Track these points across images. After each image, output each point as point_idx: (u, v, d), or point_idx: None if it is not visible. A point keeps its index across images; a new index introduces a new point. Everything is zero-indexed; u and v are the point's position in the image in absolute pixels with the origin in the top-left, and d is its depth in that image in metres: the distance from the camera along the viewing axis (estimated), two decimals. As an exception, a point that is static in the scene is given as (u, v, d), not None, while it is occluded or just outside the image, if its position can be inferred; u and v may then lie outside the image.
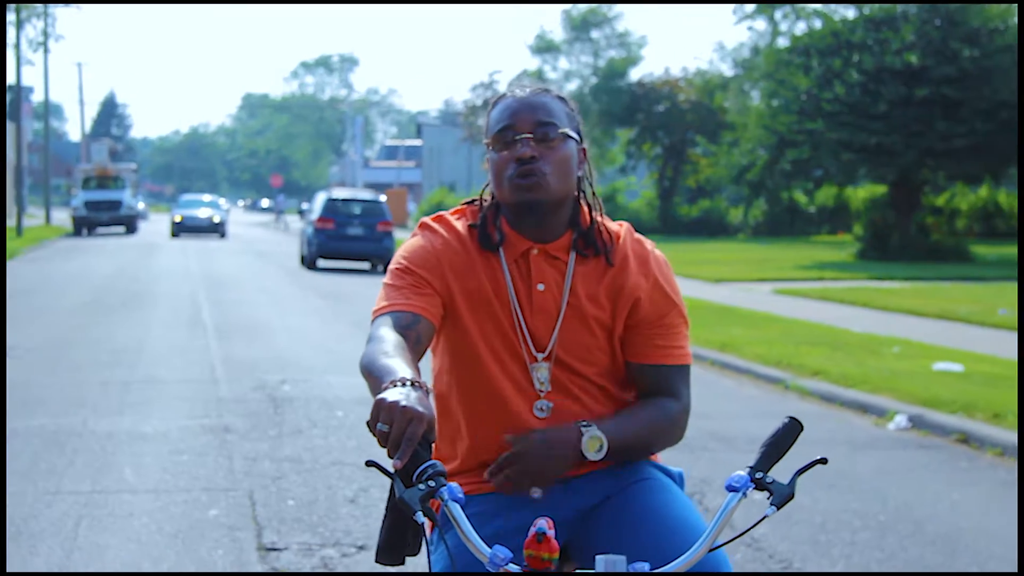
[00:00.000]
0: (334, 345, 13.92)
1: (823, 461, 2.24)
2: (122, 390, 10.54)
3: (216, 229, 48.15)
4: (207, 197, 54.94)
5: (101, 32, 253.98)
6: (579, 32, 51.90)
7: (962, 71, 28.57)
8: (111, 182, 49.71)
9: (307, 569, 5.57)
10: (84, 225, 47.66)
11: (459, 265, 2.74)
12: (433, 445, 2.25)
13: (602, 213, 2.79)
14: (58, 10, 45.85)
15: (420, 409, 2.16)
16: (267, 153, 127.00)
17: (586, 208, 2.77)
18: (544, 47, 53.19)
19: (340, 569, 5.58)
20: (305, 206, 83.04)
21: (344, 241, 28.12)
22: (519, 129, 2.67)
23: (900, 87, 28.69)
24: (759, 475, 2.22)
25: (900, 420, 9.58)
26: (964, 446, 8.80)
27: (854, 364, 11.97)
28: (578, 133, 2.76)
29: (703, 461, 7.97)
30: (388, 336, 2.52)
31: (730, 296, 20.83)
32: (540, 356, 2.73)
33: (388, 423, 2.13)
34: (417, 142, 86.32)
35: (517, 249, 2.74)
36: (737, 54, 46.78)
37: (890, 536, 6.31)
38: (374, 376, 2.35)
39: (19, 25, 17.71)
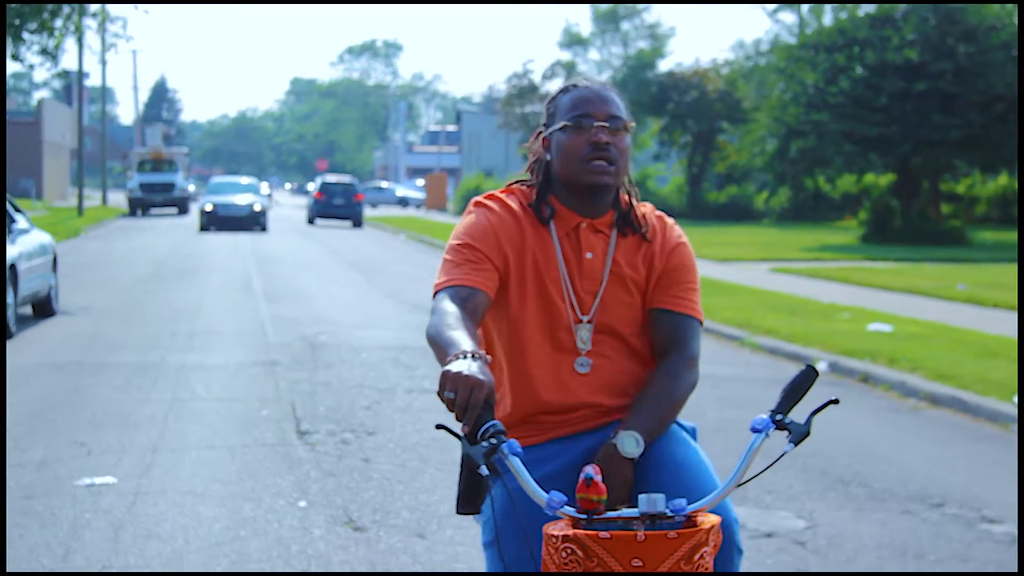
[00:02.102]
0: (365, 308, 16.17)
1: (835, 401, 2.56)
2: (188, 338, 12.85)
3: (256, 220, 37.76)
4: (245, 179, 44.53)
5: (151, 18, 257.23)
6: (607, 24, 53.85)
7: (958, 67, 30.50)
8: (165, 165, 52.19)
9: (331, 444, 7.82)
10: (139, 206, 50.16)
11: (514, 238, 3.02)
12: (494, 406, 2.49)
13: (638, 198, 3.12)
14: (117, 8, 48.22)
15: (481, 377, 2.46)
16: (314, 137, 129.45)
17: (624, 193, 3.10)
18: (572, 40, 55.18)
19: (354, 446, 7.81)
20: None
21: (331, 207, 43.78)
22: (596, 116, 2.96)
23: (900, 81, 30.67)
24: (779, 417, 2.51)
25: (822, 366, 11.70)
26: (863, 384, 10.92)
27: (803, 325, 14.08)
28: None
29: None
30: (450, 309, 2.82)
31: (728, 273, 22.91)
32: (584, 318, 3.02)
33: (454, 391, 2.44)
34: (455, 128, 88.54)
35: (568, 223, 3.04)
36: (757, 47, 48.62)
37: (777, 439, 8.46)
38: (440, 347, 2.67)
39: (80, 14, 19.70)
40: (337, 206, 43.88)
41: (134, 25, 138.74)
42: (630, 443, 2.77)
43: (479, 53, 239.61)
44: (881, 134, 30.83)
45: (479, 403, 2.43)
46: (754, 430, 2.51)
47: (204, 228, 37.13)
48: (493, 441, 2.44)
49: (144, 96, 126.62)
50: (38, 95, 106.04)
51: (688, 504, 2.49)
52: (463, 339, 2.64)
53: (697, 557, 2.43)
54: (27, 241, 14.19)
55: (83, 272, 20.81)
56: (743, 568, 3.16)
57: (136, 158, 53.76)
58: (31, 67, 23.39)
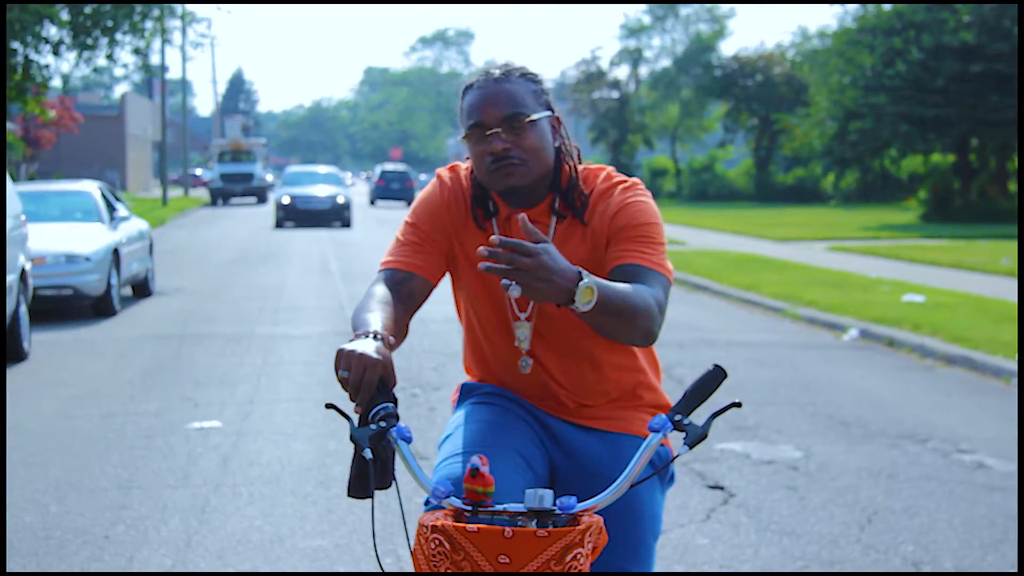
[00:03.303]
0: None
1: (737, 405, 2.40)
2: (273, 313, 14.14)
3: (339, 215, 34.28)
4: (323, 169, 39.96)
5: (224, 8, 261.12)
6: (667, 10, 54.60)
7: (1014, 47, 31.06)
8: (244, 156, 53.86)
9: (401, 397, 9.01)
10: (220, 196, 51.88)
11: (461, 220, 2.90)
12: (390, 388, 2.42)
13: (576, 172, 2.85)
14: (201, 8, 49.76)
15: (376, 356, 2.38)
16: (388, 126, 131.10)
17: (567, 168, 2.85)
18: (634, 29, 55.99)
19: (421, 399, 8.99)
20: (423, 177, 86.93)
21: (388, 191, 50.29)
22: (488, 124, 2.75)
23: (956, 63, 31.34)
24: (678, 417, 2.36)
25: (853, 332, 12.70)
26: (888, 347, 11.91)
27: (842, 297, 15.05)
28: (547, 106, 2.83)
29: (689, 354, 11.22)
30: (377, 292, 2.75)
31: (784, 252, 23.83)
32: (522, 316, 2.87)
33: (347, 369, 2.38)
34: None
35: (502, 215, 2.87)
36: (822, 31, 49.13)
37: (796, 391, 9.52)
38: (353, 329, 2.59)
39: (162, 18, 20.92)
40: (394, 190, 50.90)
41: (203, 10, 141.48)
42: (587, 293, 2.45)
43: (551, 39, 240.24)
44: (938, 115, 31.54)
45: (372, 383, 2.38)
46: (651, 429, 2.40)
47: (280, 224, 33.44)
48: (382, 424, 2.39)
49: (221, 88, 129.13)
50: (119, 89, 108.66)
51: (579, 503, 2.39)
52: (373, 320, 2.59)
53: (569, 558, 2.31)
54: (127, 228, 15.58)
55: (172, 257, 22.27)
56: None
57: (216, 149, 55.52)
58: (125, 66, 24.76)
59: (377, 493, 2.46)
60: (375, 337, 2.49)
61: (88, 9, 20.34)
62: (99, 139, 63.78)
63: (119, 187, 63.53)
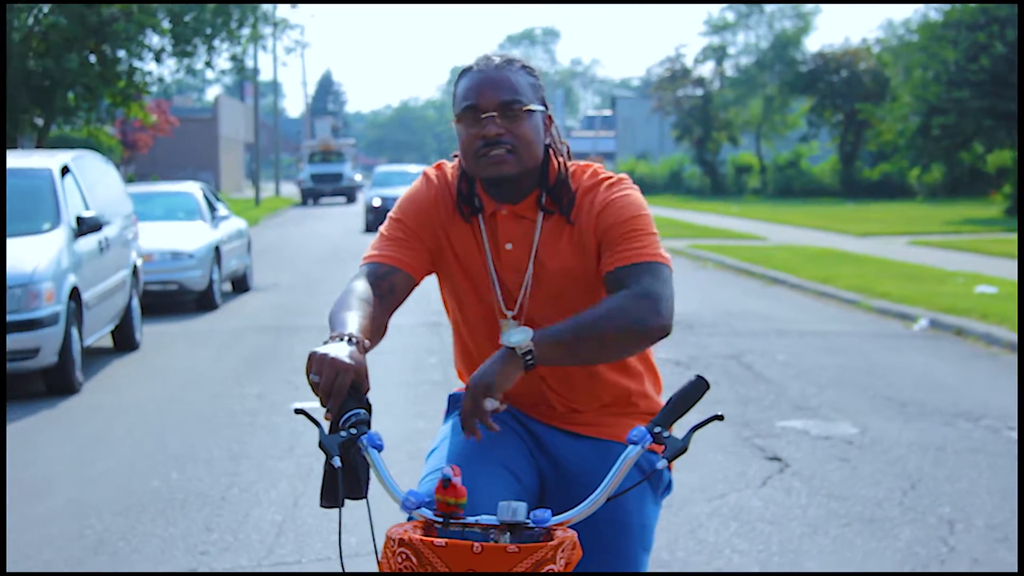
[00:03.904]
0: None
1: (719, 417, 2.32)
2: (365, 306, 14.89)
3: None
4: (414, 168, 38.15)
5: (312, 8, 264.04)
6: (752, 7, 54.74)
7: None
8: (333, 156, 55.01)
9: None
10: (310, 196, 53.06)
11: (448, 218, 2.84)
12: (363, 393, 2.38)
13: (565, 168, 2.82)
14: (291, 13, 50.80)
15: (348, 361, 2.35)
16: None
17: (556, 165, 2.81)
18: (718, 27, 56.20)
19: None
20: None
21: None
22: (484, 107, 2.71)
23: (1041, 57, 31.28)
24: (658, 430, 2.29)
25: (923, 322, 13.10)
26: (956, 336, 12.31)
27: (915, 289, 15.41)
28: (542, 102, 2.81)
29: (761, 343, 11.72)
30: (357, 288, 2.69)
31: (864, 246, 24.11)
32: (510, 314, 2.82)
33: (319, 373, 2.34)
34: (610, 112, 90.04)
35: (487, 210, 2.81)
36: (908, 26, 48.99)
37: (860, 376, 9.99)
38: (330, 329, 2.55)
39: (255, 25, 21.75)
40: None
41: (296, 17, 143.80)
42: (515, 333, 2.48)
43: (638, 36, 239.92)
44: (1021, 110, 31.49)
45: (343, 388, 2.34)
46: (630, 441, 2.32)
47: (371, 228, 31.10)
48: (353, 431, 2.34)
49: (311, 90, 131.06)
50: (211, 91, 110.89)
51: (553, 516, 2.34)
52: (350, 321, 2.54)
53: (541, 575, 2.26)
54: (227, 226, 16.44)
55: (267, 255, 23.17)
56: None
57: (307, 150, 56.74)
58: (222, 72, 25.64)
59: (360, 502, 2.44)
60: (349, 340, 2.45)
61: (188, 18, 21.27)
62: (193, 141, 65.33)
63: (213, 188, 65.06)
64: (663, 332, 2.57)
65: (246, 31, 22.71)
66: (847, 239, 26.71)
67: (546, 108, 2.82)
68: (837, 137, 54.71)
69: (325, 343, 2.43)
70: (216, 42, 22.27)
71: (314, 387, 2.36)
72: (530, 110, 2.74)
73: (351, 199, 53.81)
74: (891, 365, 10.49)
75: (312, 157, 55.37)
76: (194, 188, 16.77)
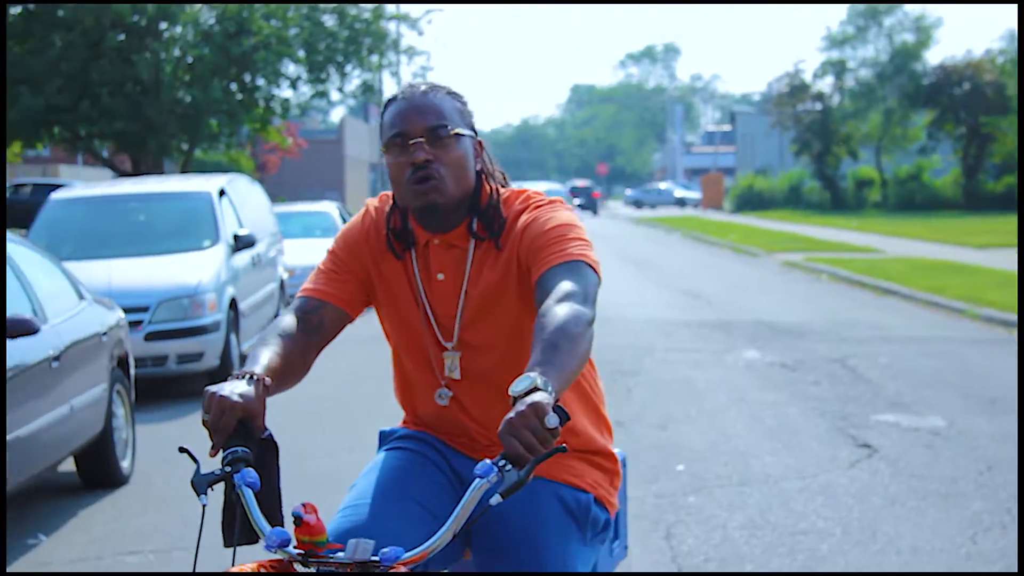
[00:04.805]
0: (636, 293, 18.82)
1: (562, 450, 2.24)
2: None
3: None
4: (542, 186, 35.07)
5: (436, 32, 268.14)
6: (870, 20, 54.64)
7: None
8: (456, 175, 56.34)
9: (607, 385, 10.49)
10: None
11: (380, 251, 2.83)
12: (252, 431, 2.42)
13: (497, 194, 2.79)
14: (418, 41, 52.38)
15: (235, 400, 2.39)
16: (595, 142, 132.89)
17: (488, 190, 2.78)
18: (836, 41, 56.21)
19: (620, 381, 10.44)
20: (628, 192, 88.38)
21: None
22: (411, 134, 2.68)
23: None
24: (502, 463, 2.20)
25: (1026, 329, 13.61)
26: (1056, 342, 12.81)
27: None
28: (471, 127, 2.79)
29: (866, 348, 12.37)
30: (282, 324, 2.74)
31: (979, 258, 24.38)
32: (449, 345, 2.78)
33: (207, 411, 2.40)
34: (729, 128, 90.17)
35: (420, 241, 2.79)
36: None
37: (957, 377, 10.61)
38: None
39: (381, 52, 22.87)
40: (580, 203, 58.66)
41: (423, 44, 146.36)
42: (520, 382, 2.27)
43: (755, 53, 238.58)
44: None
45: (228, 427, 2.38)
46: (476, 475, 2.23)
47: None
48: (226, 469, 2.36)
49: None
50: (335, 113, 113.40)
51: (405, 552, 2.29)
52: (261, 359, 2.58)
53: None
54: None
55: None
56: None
57: (430, 169, 58.19)
58: (354, 97, 26.87)
59: None
60: (249, 379, 2.48)
61: (322, 46, 22.59)
62: (319, 162, 67.20)
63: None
64: (592, 322, 2.51)
65: (375, 58, 23.94)
66: (963, 251, 26.94)
67: (475, 133, 2.82)
68: (960, 150, 54.29)
69: (228, 378, 2.49)
70: (347, 68, 23.52)
71: (204, 425, 2.41)
72: (458, 134, 2.73)
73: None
74: (988, 368, 11.07)
75: (434, 176, 56.72)
76: (331, 207, 17.93)
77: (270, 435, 2.52)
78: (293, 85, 23.37)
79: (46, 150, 31.58)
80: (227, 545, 2.48)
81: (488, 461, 2.23)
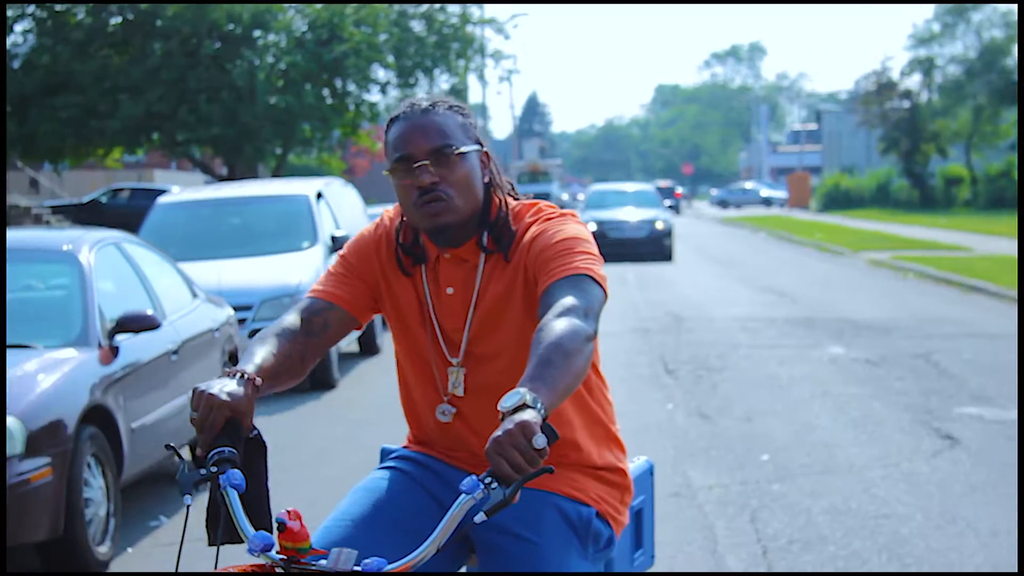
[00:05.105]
0: (721, 292, 19.02)
1: (549, 471, 2.19)
2: (578, 315, 16.14)
3: (657, 245, 26.77)
4: (631, 186, 31.72)
5: (521, 35, 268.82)
6: (958, 17, 54.03)
7: None
8: (541, 176, 56.74)
9: (689, 377, 10.76)
10: (518, 215, 54.74)
11: (389, 266, 2.84)
12: (239, 431, 2.40)
13: (507, 207, 2.76)
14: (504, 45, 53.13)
15: (223, 399, 2.37)
16: (680, 142, 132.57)
17: (498, 202, 2.77)
18: (923, 39, 55.67)
19: (706, 378, 10.70)
20: (714, 192, 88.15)
21: None
22: (415, 156, 2.66)
23: None
24: (488, 480, 2.18)
25: (1114, 326, 13.63)
26: None
27: (1112, 295, 15.83)
28: (476, 140, 2.75)
29: (949, 343, 12.51)
30: (287, 321, 2.73)
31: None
32: (455, 361, 2.77)
33: (196, 409, 2.39)
34: (815, 126, 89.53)
35: (431, 256, 2.79)
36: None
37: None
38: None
39: (466, 57, 23.35)
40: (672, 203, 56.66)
41: (509, 47, 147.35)
42: (508, 398, 2.24)
43: (844, 50, 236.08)
44: None
45: (215, 426, 2.37)
46: (460, 490, 2.22)
47: None
48: (213, 469, 2.34)
49: (517, 112, 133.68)
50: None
51: (388, 564, 2.28)
52: (256, 357, 2.57)
53: None
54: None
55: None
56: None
57: (515, 171, 58.66)
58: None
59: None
60: (240, 378, 2.47)
61: (411, 50, 23.09)
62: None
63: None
64: (592, 338, 2.48)
65: (462, 63, 24.39)
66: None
67: (481, 146, 2.78)
68: (1053, 146, 53.47)
69: (219, 376, 2.48)
70: (435, 73, 23.99)
71: (192, 423, 2.40)
72: (463, 153, 2.70)
73: (558, 218, 55.25)
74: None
75: (520, 177, 57.16)
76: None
77: (258, 435, 2.49)
78: (383, 90, 23.92)
79: (141, 155, 32.48)
80: (210, 544, 2.46)
81: (474, 477, 2.22)
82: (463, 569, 2.85)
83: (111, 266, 7.21)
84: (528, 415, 2.18)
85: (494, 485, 2.19)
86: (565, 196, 66.43)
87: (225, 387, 2.42)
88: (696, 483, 7.09)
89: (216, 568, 2.41)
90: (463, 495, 2.22)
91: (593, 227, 26.24)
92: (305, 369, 2.73)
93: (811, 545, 5.83)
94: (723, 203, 78.06)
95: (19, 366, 5.97)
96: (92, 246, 7.08)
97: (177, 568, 2.48)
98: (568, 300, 2.51)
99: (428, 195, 2.66)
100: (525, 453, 2.15)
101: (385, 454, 2.99)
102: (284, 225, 12.00)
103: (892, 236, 32.21)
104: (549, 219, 2.75)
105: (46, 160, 25.31)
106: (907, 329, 13.69)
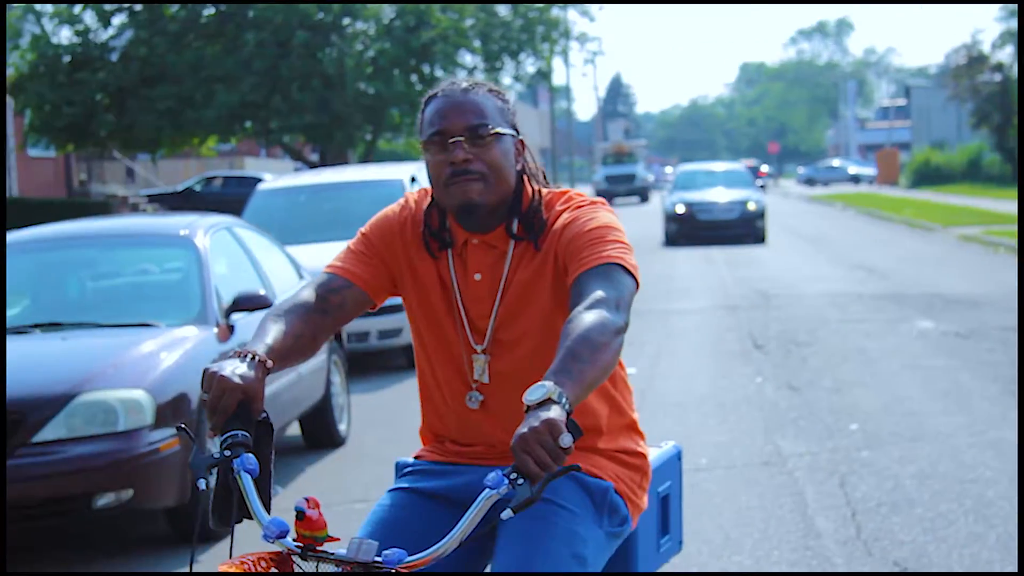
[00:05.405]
0: (810, 269, 19.09)
1: (577, 468, 2.20)
2: (666, 293, 16.36)
3: (749, 226, 25.65)
4: (720, 166, 30.27)
5: (606, 17, 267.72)
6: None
7: None
8: (626, 157, 56.81)
9: (778, 351, 10.95)
10: (604, 196, 54.93)
11: (414, 246, 2.78)
12: (250, 415, 2.37)
13: (540, 196, 2.75)
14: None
15: (236, 381, 2.35)
16: (765, 121, 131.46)
17: (529, 191, 2.75)
18: (1016, 10, 54.68)
19: (795, 353, 10.87)
20: (801, 171, 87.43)
21: None
22: (451, 132, 2.65)
23: None
24: (513, 476, 2.17)
25: None
26: None
27: None
28: (512, 126, 2.74)
29: (1005, 312, 12.56)
30: (301, 296, 2.71)
31: None
32: (479, 348, 2.74)
33: (207, 391, 2.36)
34: (903, 102, 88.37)
35: (458, 241, 2.75)
36: None
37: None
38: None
39: (548, 41, 23.57)
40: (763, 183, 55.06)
41: (593, 29, 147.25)
42: (533, 391, 2.24)
43: (933, 24, 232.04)
44: None
45: (228, 408, 2.35)
46: (485, 485, 2.21)
47: (673, 241, 25.94)
48: (227, 453, 2.33)
49: (601, 93, 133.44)
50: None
51: (409, 556, 2.27)
52: (267, 335, 2.56)
53: None
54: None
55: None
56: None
57: (600, 152, 58.82)
58: (531, 86, 27.71)
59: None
60: (251, 359, 2.45)
61: (497, 35, 23.40)
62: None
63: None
64: (623, 330, 2.46)
65: (547, 46, 24.65)
66: None
67: (517, 132, 2.77)
68: None
69: (227, 357, 2.46)
70: (521, 57, 24.27)
71: (203, 404, 2.39)
72: (498, 134, 2.69)
73: (644, 199, 55.30)
74: None
75: (605, 159, 57.30)
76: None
77: (266, 417, 2.46)
78: (470, 74, 24.26)
79: (234, 144, 33.22)
80: (215, 526, 2.45)
81: (499, 472, 2.20)
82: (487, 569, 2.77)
83: (224, 249, 7.61)
84: (554, 412, 2.18)
85: (520, 481, 2.18)
86: (651, 177, 66.25)
87: (237, 370, 2.41)
88: (786, 451, 7.31)
89: (231, 553, 2.39)
90: (487, 490, 2.22)
91: (681, 209, 25.75)
92: (316, 347, 2.71)
93: (899, 507, 6.04)
94: (810, 181, 77.43)
95: (144, 343, 6.37)
96: (207, 231, 7.48)
97: (193, 551, 2.53)
98: (598, 292, 2.49)
99: (460, 172, 2.66)
100: (552, 451, 2.15)
101: (399, 468, 2.91)
102: (380, 208, 12.31)
103: (983, 211, 31.88)
104: (580, 207, 2.74)
105: (144, 150, 26.02)
106: (997, 303, 13.71)
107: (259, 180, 30.94)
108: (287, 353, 2.58)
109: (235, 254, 7.77)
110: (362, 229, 2.85)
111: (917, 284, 15.96)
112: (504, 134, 2.70)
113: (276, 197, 13.12)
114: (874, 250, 22.43)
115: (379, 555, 2.27)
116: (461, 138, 2.66)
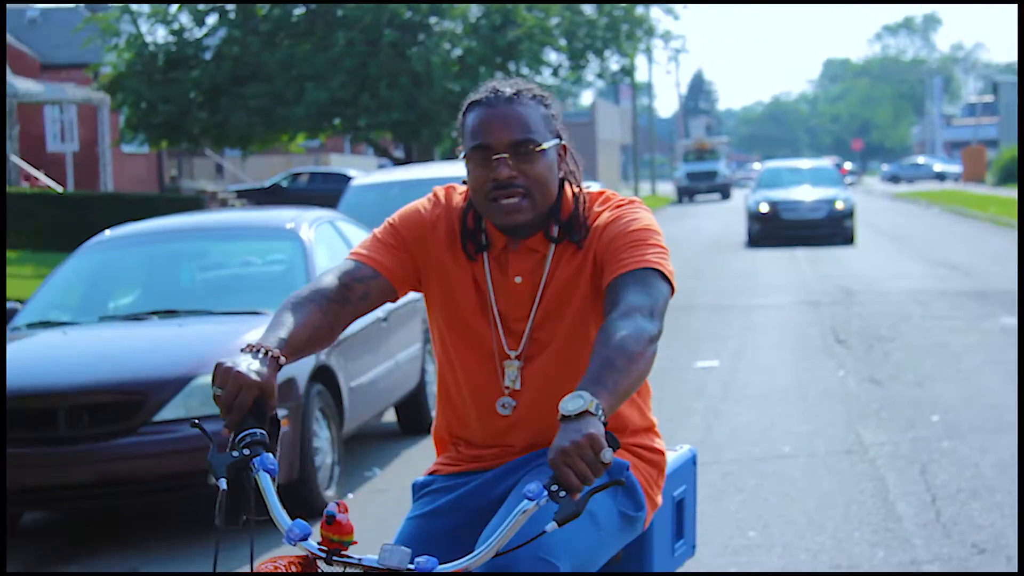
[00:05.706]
0: (893, 266, 19.13)
1: (620, 483, 2.25)
2: (749, 289, 16.53)
3: (837, 226, 24.61)
4: (806, 163, 29.80)
5: (688, 14, 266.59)
6: None
7: None
8: (708, 154, 56.65)
9: (860, 346, 11.12)
10: (686, 193, 54.90)
11: (444, 245, 2.73)
12: (266, 412, 2.33)
13: (584, 201, 2.71)
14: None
15: (253, 378, 2.29)
16: (849, 117, 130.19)
17: (570, 196, 2.71)
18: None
19: (876, 347, 11.03)
20: (885, 168, 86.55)
21: None
22: (495, 148, 2.58)
23: None
24: (555, 488, 2.17)
25: None
26: None
27: None
28: (557, 133, 2.68)
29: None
30: (323, 283, 2.63)
31: None
32: (513, 354, 2.70)
33: (222, 387, 2.29)
34: (991, 98, 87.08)
35: (497, 245, 2.70)
36: None
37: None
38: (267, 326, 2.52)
39: (634, 39, 23.76)
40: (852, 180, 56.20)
41: (677, 28, 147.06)
42: (570, 401, 2.24)
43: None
44: None
45: (244, 406, 2.30)
46: (526, 496, 2.20)
47: (755, 241, 25.04)
48: (246, 452, 2.29)
49: (683, 90, 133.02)
50: (585, 95, 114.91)
51: (440, 564, 2.25)
52: (282, 327, 2.49)
53: None
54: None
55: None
56: None
57: (682, 149, 58.77)
58: (614, 83, 27.92)
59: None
60: (264, 355, 2.39)
61: (582, 33, 23.69)
62: (572, 144, 68.51)
63: (592, 189, 67.93)
64: (656, 339, 2.48)
65: (631, 43, 24.88)
66: None
67: (560, 139, 2.71)
68: None
69: (238, 352, 2.40)
70: (606, 54, 24.54)
71: (216, 400, 2.32)
72: (544, 149, 2.64)
73: (725, 196, 55.08)
74: None
75: (687, 156, 57.22)
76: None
77: (275, 414, 2.42)
78: (555, 72, 24.57)
79: (321, 140, 33.86)
80: (226, 526, 2.35)
81: (538, 483, 2.21)
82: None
83: (327, 241, 7.98)
84: (594, 427, 2.18)
85: (562, 493, 2.18)
86: (737, 175, 65.89)
87: (252, 366, 2.36)
88: (868, 440, 7.53)
89: (252, 559, 2.34)
90: (526, 501, 2.21)
91: (765, 208, 25.01)
92: (333, 338, 2.64)
93: (978, 494, 6.25)
94: (894, 178, 76.66)
95: (255, 329, 6.74)
96: (311, 224, 7.86)
97: (216, 552, 2.41)
98: (634, 299, 2.48)
99: (504, 189, 2.60)
100: (593, 465, 2.16)
101: (416, 489, 2.85)
102: (470, 204, 12.68)
103: (1071, 209, 31.50)
104: (620, 206, 2.72)
105: (237, 147, 26.66)
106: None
107: (344, 176, 31.50)
108: (302, 347, 2.53)
109: (337, 246, 8.14)
110: (390, 219, 2.79)
111: (1000, 281, 15.97)
112: (549, 147, 2.66)
113: (369, 192, 13.50)
114: (958, 247, 22.37)
115: (411, 563, 2.26)
116: (505, 155, 2.60)
